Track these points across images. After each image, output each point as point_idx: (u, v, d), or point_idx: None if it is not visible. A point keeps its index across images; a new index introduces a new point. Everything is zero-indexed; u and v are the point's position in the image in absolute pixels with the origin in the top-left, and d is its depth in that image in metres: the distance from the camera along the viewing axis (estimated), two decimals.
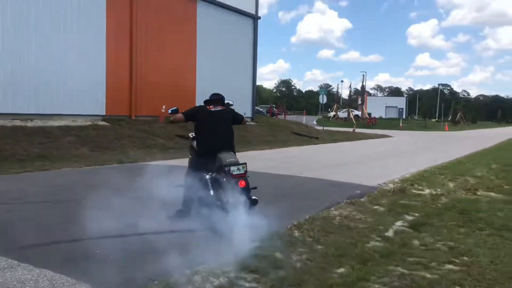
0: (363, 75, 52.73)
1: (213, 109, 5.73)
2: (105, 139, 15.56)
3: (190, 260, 4.04)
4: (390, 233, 5.40)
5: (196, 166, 5.56)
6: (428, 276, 4.00)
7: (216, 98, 5.87)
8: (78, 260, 4.07)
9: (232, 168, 5.12)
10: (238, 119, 6.02)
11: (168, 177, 7.96)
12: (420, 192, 8.27)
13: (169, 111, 5.91)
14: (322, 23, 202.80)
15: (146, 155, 12.97)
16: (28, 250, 4.32)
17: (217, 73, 24.14)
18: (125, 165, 10.69)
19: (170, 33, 21.55)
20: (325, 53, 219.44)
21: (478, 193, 8.34)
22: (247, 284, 3.63)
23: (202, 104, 5.89)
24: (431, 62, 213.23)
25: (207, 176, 5.34)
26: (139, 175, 9.20)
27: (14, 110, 15.17)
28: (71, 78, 17.25)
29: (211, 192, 5.24)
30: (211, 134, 5.58)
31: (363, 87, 52.33)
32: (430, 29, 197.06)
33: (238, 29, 26.14)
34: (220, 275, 3.77)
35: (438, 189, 8.51)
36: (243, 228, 4.59)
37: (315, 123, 44.05)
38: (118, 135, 16.50)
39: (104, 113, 18.63)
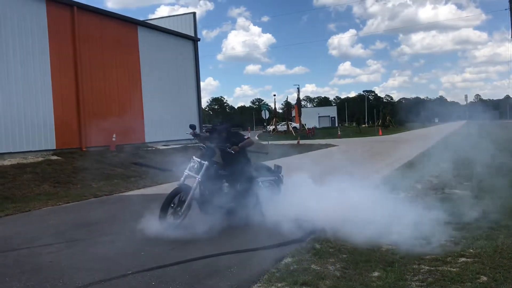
0: (298, 88, 54.82)
1: None
2: (63, 173, 15.17)
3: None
4: None
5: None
6: (452, 269, 4.52)
7: None
8: None
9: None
10: None
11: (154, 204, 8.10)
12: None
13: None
14: (246, 39, 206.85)
15: (113, 186, 12.85)
16: None
17: (163, 97, 24.18)
18: (103, 198, 10.56)
19: (114, 62, 21.49)
20: (252, 68, 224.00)
21: (446, 191, 9.17)
22: None
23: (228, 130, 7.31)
24: (353, 70, 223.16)
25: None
26: (129, 206, 9.26)
27: None
28: (17, 115, 16.76)
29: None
30: None
31: (298, 99, 54.22)
32: (349, 38, 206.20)
33: (180, 53, 26.39)
34: None
35: (411, 191, 9.25)
36: None
37: (257, 138, 44.86)
38: (74, 168, 16.11)
39: (54, 147, 18.18)
